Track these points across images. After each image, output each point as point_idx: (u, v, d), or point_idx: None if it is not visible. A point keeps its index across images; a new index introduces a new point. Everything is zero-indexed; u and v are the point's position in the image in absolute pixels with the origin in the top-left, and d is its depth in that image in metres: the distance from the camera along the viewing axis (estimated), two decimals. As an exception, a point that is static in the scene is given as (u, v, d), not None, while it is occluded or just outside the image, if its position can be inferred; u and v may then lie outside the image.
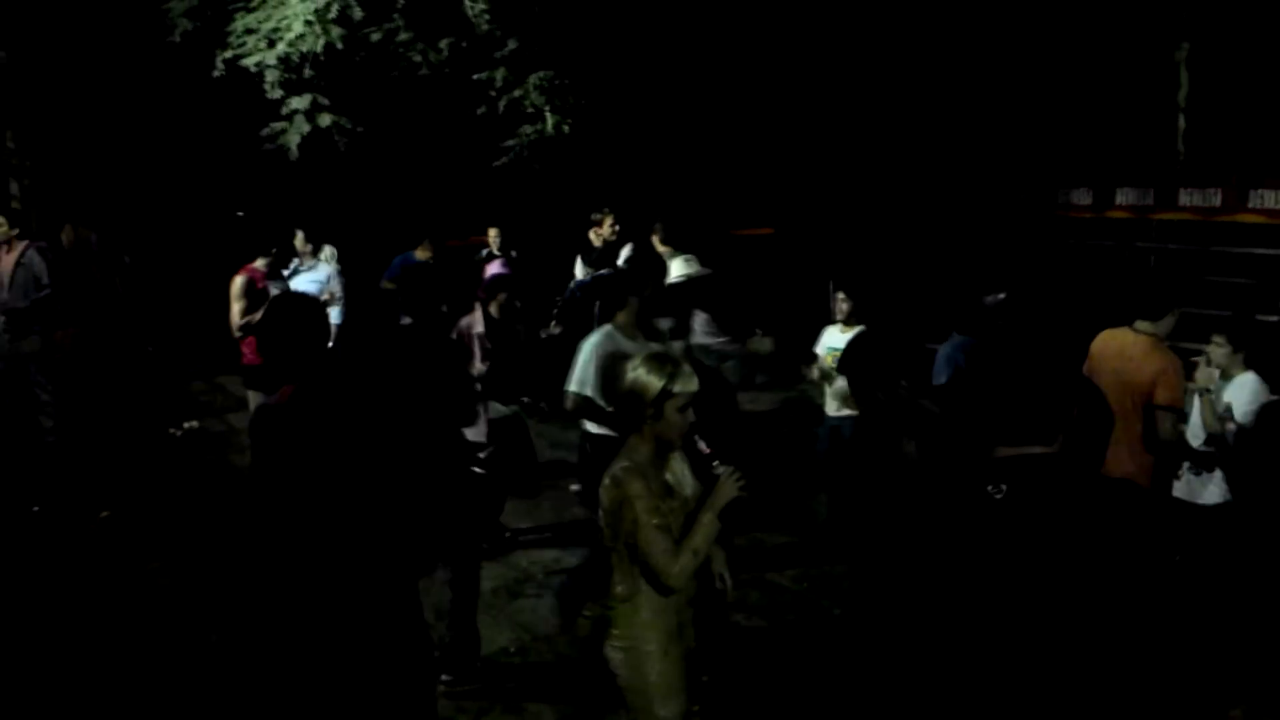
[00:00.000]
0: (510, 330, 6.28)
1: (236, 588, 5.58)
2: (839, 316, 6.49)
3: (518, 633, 5.36)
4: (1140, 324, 4.68)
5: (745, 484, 3.19)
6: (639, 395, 3.17)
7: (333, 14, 8.04)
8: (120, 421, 7.89)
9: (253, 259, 7.07)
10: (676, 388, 3.15)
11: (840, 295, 6.60)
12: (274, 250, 7.13)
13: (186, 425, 8.88)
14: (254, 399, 6.98)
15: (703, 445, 3.41)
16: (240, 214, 12.39)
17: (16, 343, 7.02)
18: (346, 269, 8.83)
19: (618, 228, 8.33)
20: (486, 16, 8.74)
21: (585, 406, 4.77)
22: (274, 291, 7.01)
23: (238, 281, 6.90)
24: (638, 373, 3.19)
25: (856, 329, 6.43)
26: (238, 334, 6.91)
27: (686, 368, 3.24)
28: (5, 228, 7.47)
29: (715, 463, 3.31)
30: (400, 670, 3.48)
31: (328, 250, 9.11)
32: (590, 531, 3.77)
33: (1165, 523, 2.64)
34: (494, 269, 6.66)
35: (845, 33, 12.31)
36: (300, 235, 8.37)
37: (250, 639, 3.59)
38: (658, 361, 3.23)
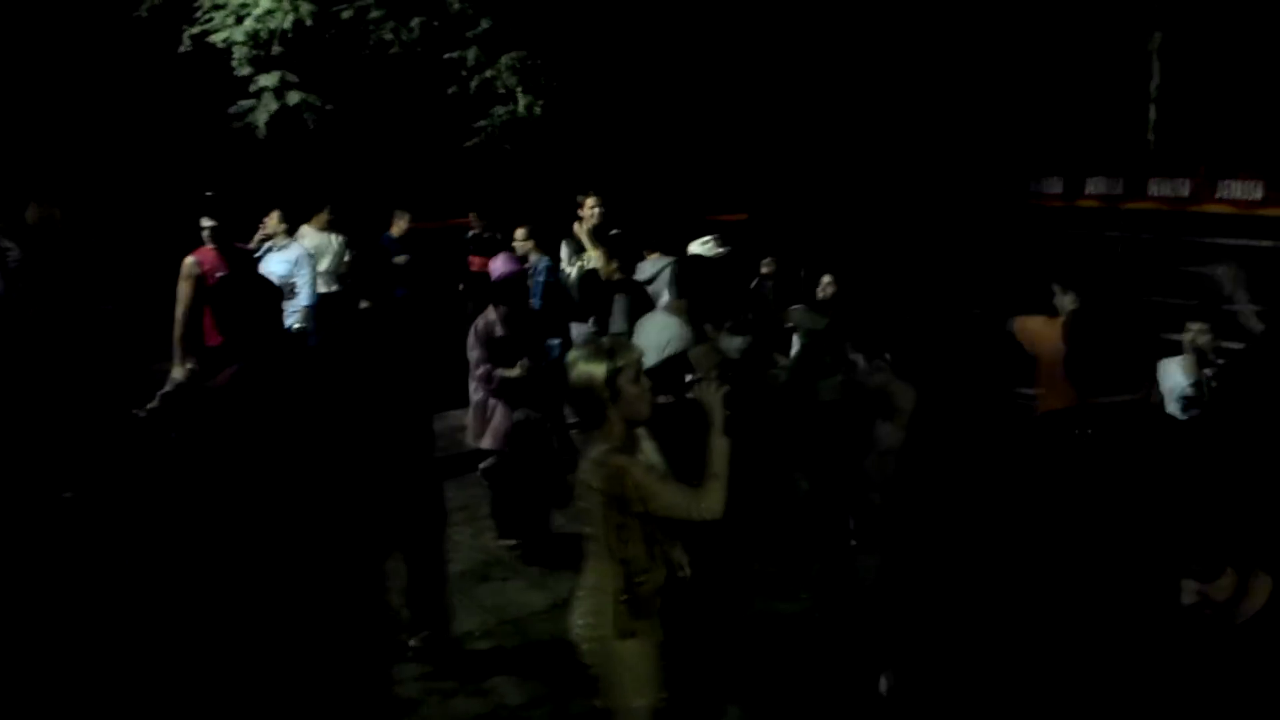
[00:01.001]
0: (528, 331, 6.12)
1: (192, 568, 5.54)
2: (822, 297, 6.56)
3: (484, 616, 5.34)
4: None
5: (725, 387, 3.22)
6: (590, 387, 3.17)
7: (302, -10, 7.96)
8: (82, 401, 7.79)
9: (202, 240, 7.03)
10: (620, 361, 3.16)
11: (827, 279, 6.64)
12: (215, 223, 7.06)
13: (150, 405, 8.76)
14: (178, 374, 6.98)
15: (660, 398, 3.39)
16: (209, 193, 12.24)
17: None
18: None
19: (599, 210, 8.03)
20: (459, -5, 8.67)
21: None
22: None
23: (186, 263, 6.87)
24: (579, 368, 3.19)
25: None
26: (178, 323, 6.86)
27: (621, 341, 3.38)
28: None
29: (687, 394, 3.31)
30: (349, 649, 3.50)
31: (336, 239, 8.91)
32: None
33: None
34: (501, 265, 6.34)
35: (819, 19, 12.29)
36: (275, 215, 8.27)
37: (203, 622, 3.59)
38: (592, 349, 3.24)
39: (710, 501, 3.11)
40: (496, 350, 5.94)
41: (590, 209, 7.97)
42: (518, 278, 6.16)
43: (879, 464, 3.94)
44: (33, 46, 10.69)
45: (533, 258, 7.75)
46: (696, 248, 6.69)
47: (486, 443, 6.19)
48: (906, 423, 3.76)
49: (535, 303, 7.44)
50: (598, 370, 3.15)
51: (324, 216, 9.08)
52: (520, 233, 8.01)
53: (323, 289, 8.52)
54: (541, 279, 7.49)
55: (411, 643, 4.90)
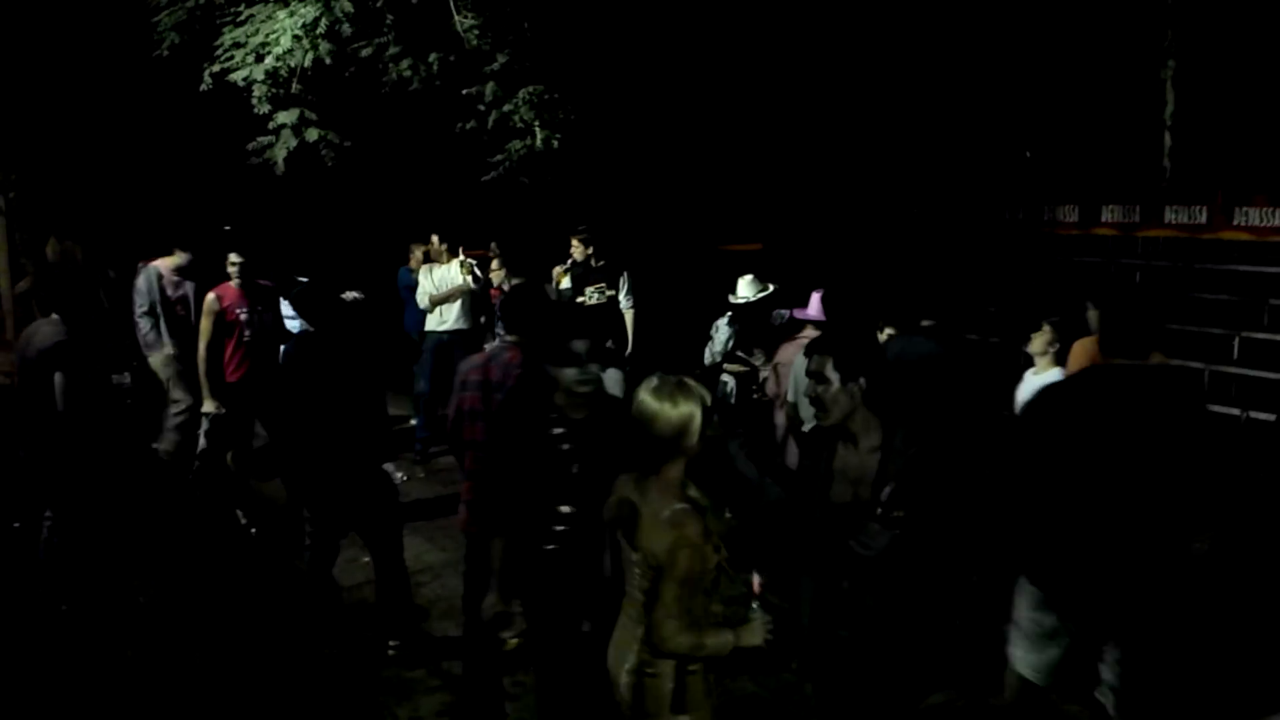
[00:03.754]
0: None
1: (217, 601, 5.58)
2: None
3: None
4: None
5: (774, 631, 3.08)
6: (687, 425, 3.00)
7: (321, 29, 7.98)
8: (101, 437, 7.81)
9: (226, 276, 7.07)
10: (704, 407, 3.05)
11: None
12: (185, 248, 7.10)
13: (165, 442, 8.79)
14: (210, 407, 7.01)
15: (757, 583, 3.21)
16: (227, 228, 12.35)
17: None
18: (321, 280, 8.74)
19: (588, 250, 8.52)
20: (476, 32, 8.72)
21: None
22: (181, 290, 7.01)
23: (207, 299, 6.93)
24: (682, 408, 3.00)
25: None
26: (201, 359, 6.88)
27: (693, 384, 3.09)
28: None
29: (754, 604, 3.20)
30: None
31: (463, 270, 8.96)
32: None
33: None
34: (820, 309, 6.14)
35: (834, 47, 12.36)
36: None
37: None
38: (675, 387, 3.05)
39: (678, 646, 2.94)
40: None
41: (575, 246, 8.38)
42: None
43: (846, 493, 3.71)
44: (57, 86, 10.83)
45: (508, 285, 7.95)
46: (745, 288, 6.77)
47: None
48: (870, 449, 3.59)
49: None
50: (696, 411, 3.00)
51: (435, 249, 9.12)
52: (494, 262, 8.24)
53: (462, 325, 8.84)
54: None
55: (391, 643, 5.25)
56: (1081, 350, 5.56)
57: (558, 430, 3.66)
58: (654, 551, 2.93)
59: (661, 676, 3.01)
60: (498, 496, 3.83)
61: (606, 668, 3.19)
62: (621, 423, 3.41)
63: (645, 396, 3.05)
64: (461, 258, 8.94)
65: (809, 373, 3.56)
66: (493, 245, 10.42)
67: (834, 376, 3.47)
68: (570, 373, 3.58)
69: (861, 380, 3.48)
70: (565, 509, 3.64)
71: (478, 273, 8.97)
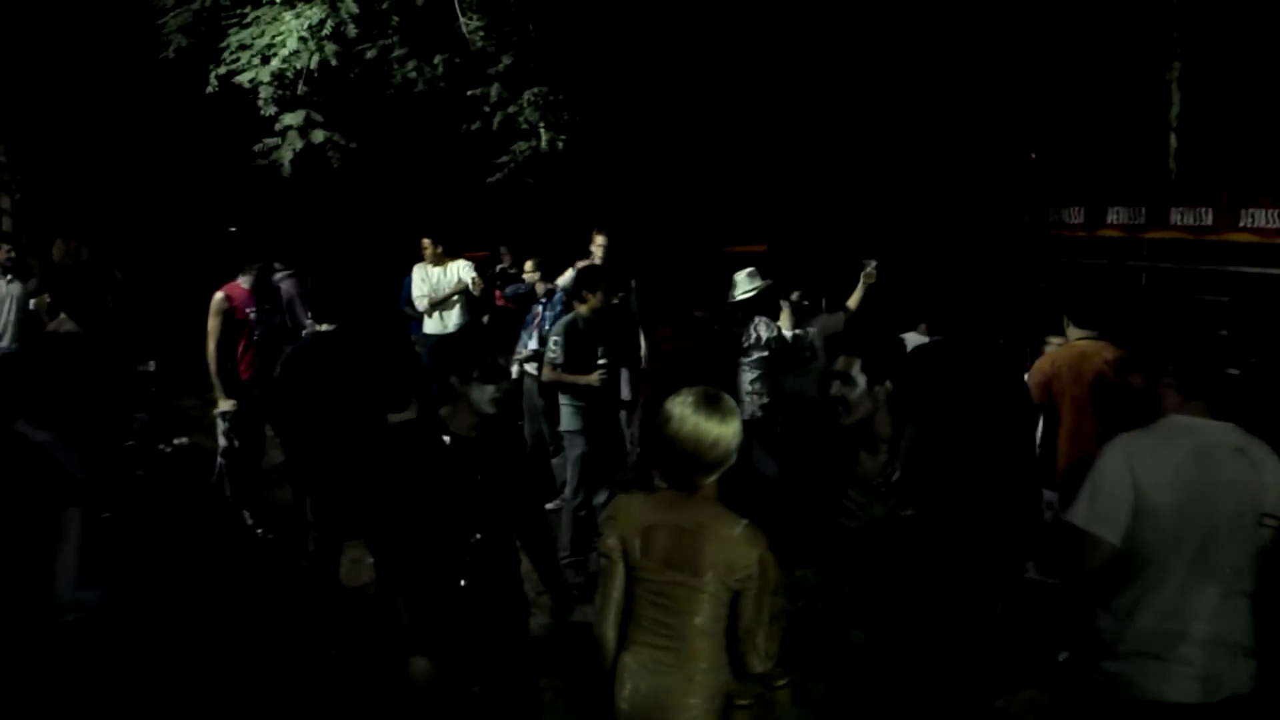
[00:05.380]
0: None
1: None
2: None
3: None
4: (1084, 330, 5.05)
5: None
6: (737, 441, 2.84)
7: (327, 31, 8.02)
8: (110, 437, 7.83)
9: (234, 276, 7.08)
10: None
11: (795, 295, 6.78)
12: (255, 265, 7.09)
13: (177, 441, 8.83)
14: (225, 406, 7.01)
15: None
16: (233, 229, 12.40)
17: None
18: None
19: (604, 246, 8.45)
20: (481, 33, 8.75)
21: None
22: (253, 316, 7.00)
23: (215, 298, 6.91)
24: (732, 424, 2.81)
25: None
26: (211, 358, 6.89)
27: (726, 396, 2.94)
28: None
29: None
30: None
31: (459, 268, 8.87)
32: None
33: None
34: None
35: (840, 50, 12.36)
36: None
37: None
38: (724, 401, 2.86)
39: (772, 661, 2.80)
40: None
41: (598, 245, 8.20)
42: None
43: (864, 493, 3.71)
44: (64, 88, 10.87)
45: (539, 288, 7.88)
46: (743, 280, 6.78)
47: None
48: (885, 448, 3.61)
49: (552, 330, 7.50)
50: (735, 428, 2.80)
51: (430, 250, 9.07)
52: (529, 264, 8.18)
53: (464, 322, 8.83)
54: (559, 309, 7.52)
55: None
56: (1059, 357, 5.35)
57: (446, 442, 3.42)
58: (736, 571, 2.74)
59: (752, 704, 2.83)
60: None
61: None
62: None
63: (692, 416, 2.81)
64: (475, 277, 8.87)
65: (834, 372, 3.52)
66: (502, 248, 10.44)
67: (860, 379, 3.45)
68: (489, 389, 3.34)
69: (888, 383, 3.47)
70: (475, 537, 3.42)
71: (478, 277, 8.92)
